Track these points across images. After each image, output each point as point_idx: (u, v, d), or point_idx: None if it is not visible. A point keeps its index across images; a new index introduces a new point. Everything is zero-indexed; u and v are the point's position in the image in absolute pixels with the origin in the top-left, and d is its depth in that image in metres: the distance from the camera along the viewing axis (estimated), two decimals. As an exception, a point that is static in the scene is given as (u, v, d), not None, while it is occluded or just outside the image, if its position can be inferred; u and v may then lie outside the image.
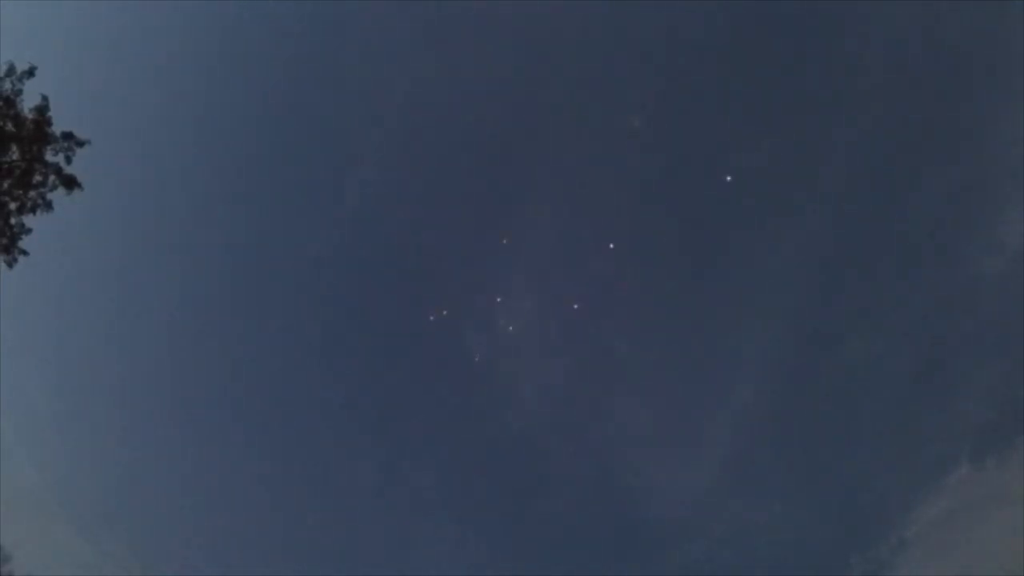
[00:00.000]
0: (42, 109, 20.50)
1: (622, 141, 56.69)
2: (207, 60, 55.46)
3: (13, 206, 20.37)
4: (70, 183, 20.77)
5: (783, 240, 54.83)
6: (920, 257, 53.53)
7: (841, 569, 51.36)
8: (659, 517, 57.40)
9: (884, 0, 48.71)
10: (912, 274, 53.64)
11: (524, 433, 60.49)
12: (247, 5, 53.65)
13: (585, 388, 60.21)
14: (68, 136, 20.77)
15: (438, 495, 59.90)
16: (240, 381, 60.91)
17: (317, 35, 56.41)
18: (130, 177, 53.67)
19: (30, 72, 20.38)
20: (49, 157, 20.63)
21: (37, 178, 20.50)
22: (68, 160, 20.81)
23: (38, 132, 20.31)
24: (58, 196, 20.74)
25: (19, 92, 20.26)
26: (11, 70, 20.24)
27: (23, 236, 20.69)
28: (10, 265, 20.66)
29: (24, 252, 20.80)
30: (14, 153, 20.18)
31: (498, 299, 58.37)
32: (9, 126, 20.04)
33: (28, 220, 20.65)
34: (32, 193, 20.46)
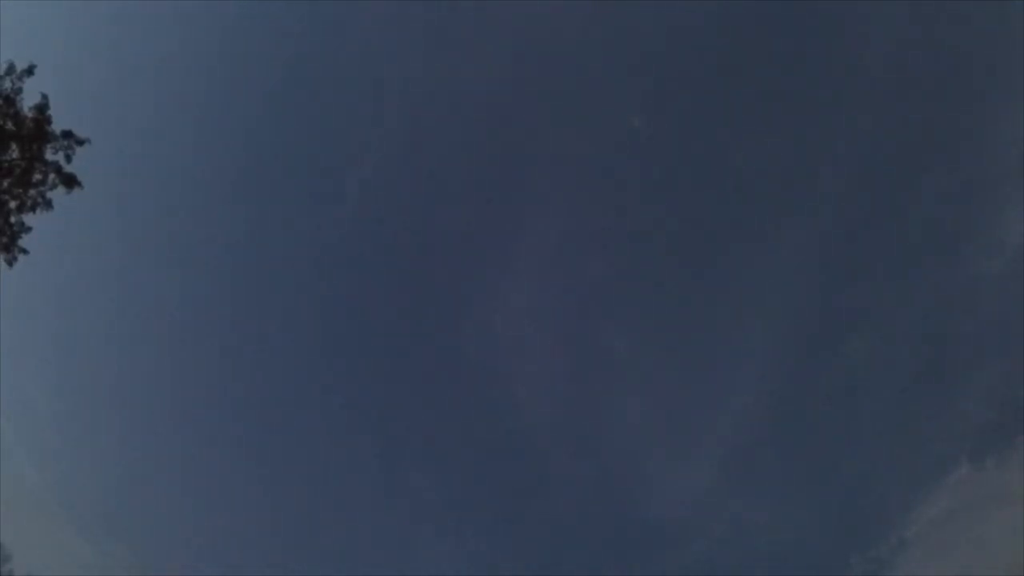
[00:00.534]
0: (42, 108, 20.46)
1: (623, 141, 56.74)
2: (207, 60, 55.49)
3: (13, 204, 20.33)
4: (70, 182, 20.72)
5: (783, 240, 54.89)
6: (920, 257, 53.59)
7: (841, 568, 51.39)
8: (659, 517, 57.44)
9: (884, 0, 48.72)
10: (912, 274, 53.70)
11: (524, 433, 60.55)
12: (247, 5, 53.67)
13: (585, 388, 60.26)
14: (68, 135, 20.72)
15: (438, 495, 59.92)
16: (240, 380, 60.96)
17: (317, 35, 56.45)
18: (130, 176, 53.70)
19: (30, 71, 20.34)
20: (49, 156, 20.59)
21: (37, 177, 20.46)
22: (68, 159, 20.77)
23: (38, 131, 20.28)
24: (58, 195, 20.70)
25: (19, 91, 20.21)
26: (11, 69, 20.21)
27: (23, 235, 20.65)
28: (10, 264, 20.62)
29: (24, 251, 20.76)
30: (14, 151, 20.14)
31: (498, 300, 58.35)
32: (9, 125, 20.00)
33: (28, 219, 20.62)
34: (32, 192, 20.42)
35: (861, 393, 53.93)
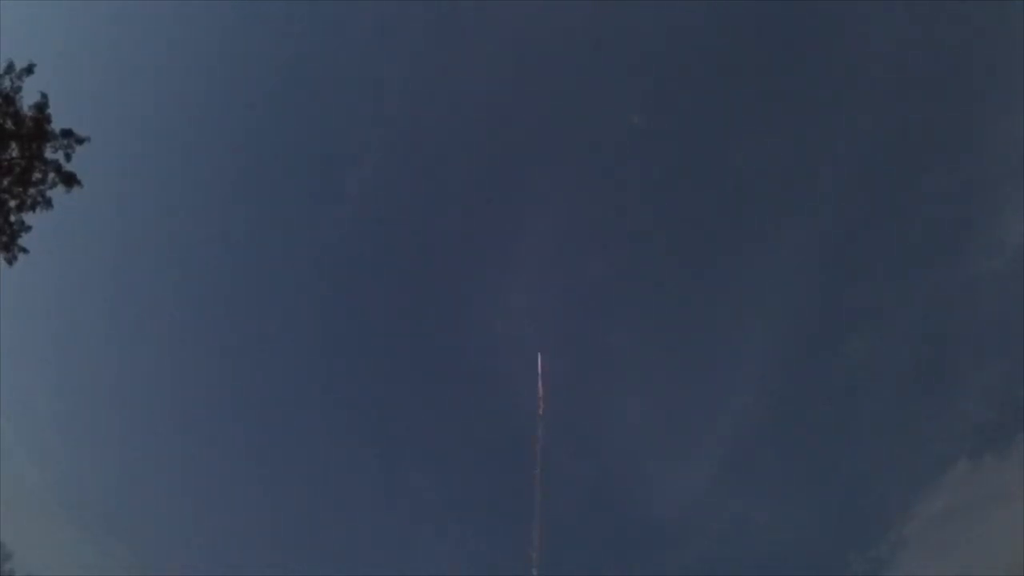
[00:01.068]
0: (41, 107, 20.47)
1: (623, 140, 56.75)
2: (206, 59, 55.52)
3: (13, 203, 20.34)
4: (70, 180, 20.74)
5: (783, 240, 54.96)
6: (920, 257, 53.67)
7: (840, 567, 51.44)
8: (659, 516, 57.51)
9: (884, 0, 48.76)
10: (912, 274, 53.78)
11: (524, 432, 60.48)
12: (247, 5, 53.69)
13: (586, 387, 60.26)
14: (67, 133, 20.74)
15: (438, 495, 59.96)
16: (241, 380, 60.97)
17: (317, 34, 56.46)
18: (130, 175, 53.72)
19: (29, 70, 20.35)
20: (49, 154, 20.60)
21: (37, 175, 20.47)
22: (68, 157, 20.78)
23: (38, 129, 20.29)
24: (57, 193, 20.71)
25: (18, 90, 20.22)
26: (10, 68, 20.22)
27: (23, 233, 20.66)
28: (10, 263, 20.64)
29: (24, 250, 20.78)
30: (14, 150, 20.15)
31: (498, 299, 58.34)
32: (9, 123, 20.02)
33: (28, 217, 20.63)
34: (32, 190, 20.43)
35: (861, 392, 54.04)
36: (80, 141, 20.93)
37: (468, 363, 61.28)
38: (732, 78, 46.66)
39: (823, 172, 53.53)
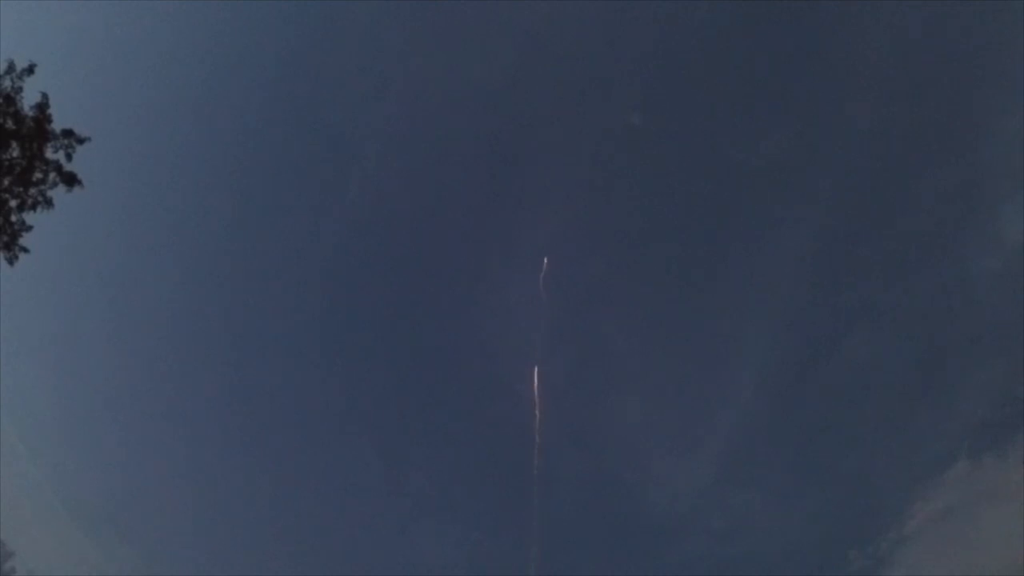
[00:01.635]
0: (42, 106, 20.54)
1: (622, 139, 56.78)
2: (207, 59, 55.54)
3: (14, 203, 20.40)
4: (70, 180, 20.81)
5: (783, 239, 54.97)
6: (919, 256, 53.69)
7: (840, 564, 51.58)
8: (659, 513, 57.63)
9: (884, 0, 48.74)
10: (911, 272, 53.80)
11: (524, 430, 60.60)
12: (247, 5, 53.70)
13: (585, 386, 60.35)
14: (68, 133, 20.79)
15: (438, 492, 60.06)
16: (242, 379, 61.05)
17: (318, 34, 56.47)
18: (131, 175, 53.78)
19: (30, 70, 20.41)
20: (49, 154, 20.66)
21: (37, 175, 20.53)
22: (68, 157, 20.84)
23: (38, 129, 20.35)
24: (58, 193, 20.78)
25: (19, 90, 20.28)
26: (11, 68, 20.27)
27: (24, 233, 20.74)
28: (11, 262, 20.71)
29: (25, 249, 20.85)
30: (14, 150, 20.21)
31: (498, 299, 58.39)
32: (9, 123, 20.08)
33: (29, 217, 20.70)
34: (33, 190, 20.49)
35: (860, 391, 54.13)
36: (81, 141, 20.99)
37: (468, 362, 61.34)
38: (731, 77, 46.69)
39: (822, 171, 53.55)
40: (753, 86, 51.09)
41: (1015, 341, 45.74)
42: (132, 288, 58.24)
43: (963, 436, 50.72)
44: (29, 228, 20.85)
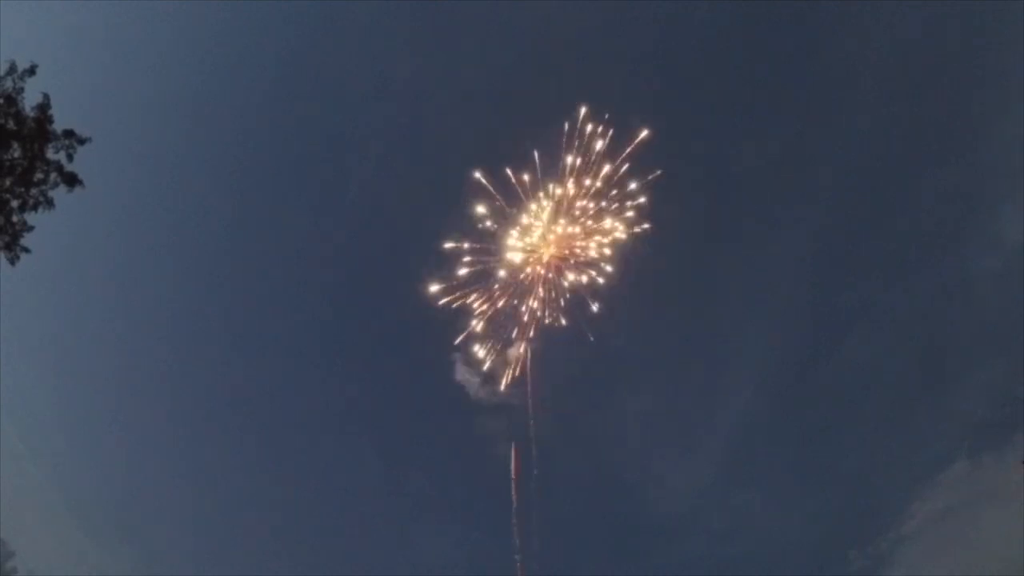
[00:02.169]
0: (43, 107, 20.60)
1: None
2: (207, 59, 55.56)
3: (15, 203, 20.47)
4: (71, 181, 20.88)
5: (782, 239, 55.00)
6: (918, 256, 53.74)
7: (840, 564, 51.72)
8: (659, 512, 57.68)
9: (884, 0, 48.75)
10: (911, 273, 53.86)
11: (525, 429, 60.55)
12: (248, 4, 53.73)
13: (585, 384, 60.32)
14: (69, 134, 20.86)
15: (437, 492, 60.14)
16: (243, 379, 61.09)
17: (319, 34, 56.49)
18: (131, 175, 53.81)
19: (31, 71, 20.47)
20: (50, 155, 20.72)
21: (39, 176, 20.60)
22: (69, 158, 20.90)
23: (39, 130, 20.41)
24: (59, 193, 20.85)
25: (20, 90, 20.34)
26: (12, 68, 20.33)
27: (25, 233, 20.80)
28: (12, 262, 20.78)
29: (26, 249, 20.92)
30: (16, 151, 20.28)
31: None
32: (11, 124, 20.14)
33: (30, 217, 20.77)
34: (34, 191, 20.56)
35: (860, 391, 54.22)
36: (82, 141, 21.06)
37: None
38: (730, 76, 46.75)
39: (821, 171, 53.56)
40: (752, 86, 51.12)
41: (1015, 341, 45.84)
42: (133, 288, 58.32)
43: (962, 436, 50.89)
44: (31, 228, 20.93)
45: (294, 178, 58.74)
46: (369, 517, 60.14)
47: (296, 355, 61.16)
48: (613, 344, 58.60)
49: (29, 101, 20.50)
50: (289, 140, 58.47)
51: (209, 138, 57.45)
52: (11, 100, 20.25)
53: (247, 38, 56.19)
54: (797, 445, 56.11)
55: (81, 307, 57.01)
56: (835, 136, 52.87)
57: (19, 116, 20.30)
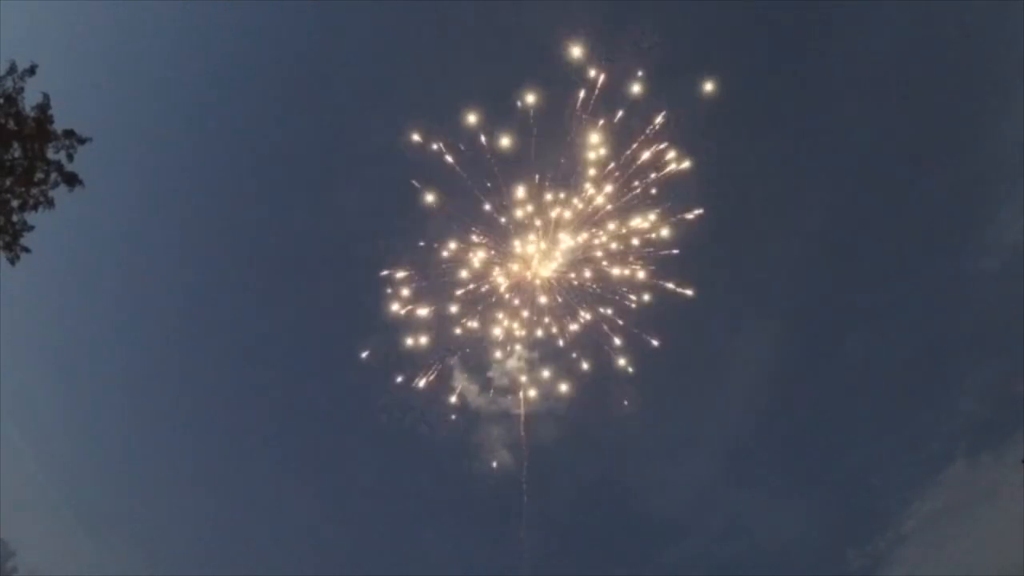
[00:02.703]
0: (43, 107, 20.73)
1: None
2: (208, 59, 55.63)
3: (15, 203, 20.63)
4: (72, 180, 21.03)
5: (781, 238, 54.97)
6: (918, 256, 53.74)
7: (839, 563, 51.76)
8: (656, 512, 57.66)
9: (884, 0, 48.76)
10: (910, 273, 53.84)
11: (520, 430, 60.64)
12: (248, 4, 53.77)
13: (585, 383, 60.29)
14: (70, 134, 21.01)
15: (438, 493, 60.13)
16: (246, 379, 61.08)
17: (320, 34, 56.54)
18: (132, 175, 53.87)
19: (31, 70, 20.60)
20: (51, 155, 20.87)
21: (39, 176, 20.74)
22: (70, 158, 21.05)
23: (40, 130, 20.54)
24: (60, 193, 21.00)
25: (21, 90, 20.47)
26: (12, 68, 20.46)
27: (25, 233, 20.95)
28: (12, 262, 20.95)
29: (27, 249, 21.08)
30: (16, 151, 20.42)
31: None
32: (11, 124, 20.27)
33: (30, 217, 20.93)
34: (34, 190, 20.71)
35: (859, 390, 54.21)
36: (82, 141, 21.20)
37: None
38: (729, 75, 46.73)
39: (821, 170, 53.52)
40: (748, 85, 51.08)
41: (1014, 341, 45.89)
42: (134, 287, 58.32)
43: (962, 435, 50.94)
44: (31, 228, 21.09)
45: (295, 178, 58.78)
46: (371, 517, 60.21)
47: (303, 354, 61.10)
48: (613, 342, 58.63)
49: (29, 101, 20.65)
50: (294, 139, 58.43)
51: (210, 137, 57.54)
52: (11, 100, 20.39)
53: (247, 38, 56.25)
54: (796, 444, 56.18)
55: (82, 306, 57.11)
56: (834, 137, 52.91)
57: (19, 116, 20.43)
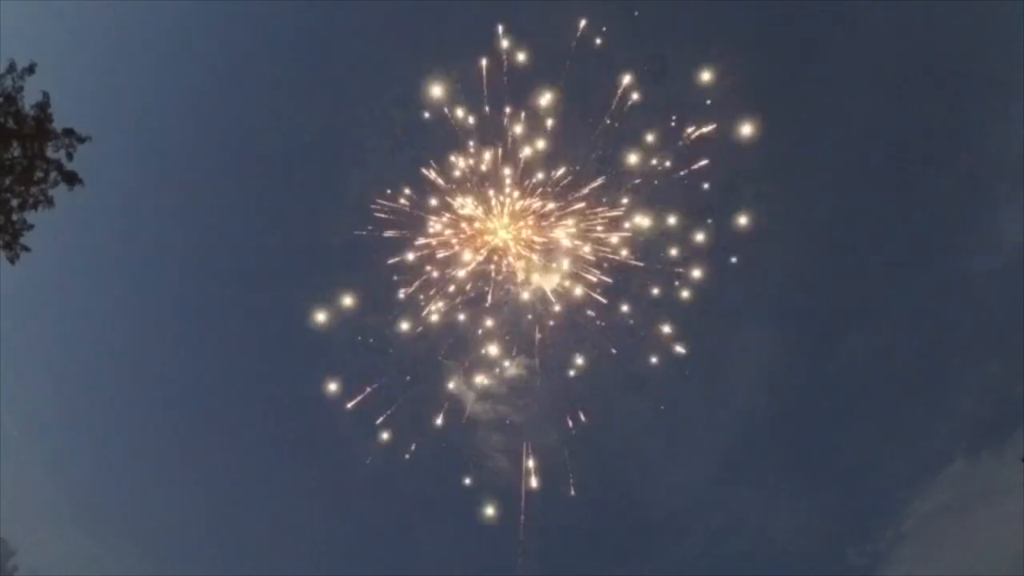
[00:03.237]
0: (43, 106, 20.76)
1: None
2: (208, 58, 55.66)
3: (15, 202, 20.66)
4: (71, 179, 21.06)
5: (780, 237, 54.91)
6: (918, 255, 53.75)
7: (838, 562, 51.78)
8: (655, 511, 57.65)
9: (884, 0, 48.75)
10: (910, 272, 53.85)
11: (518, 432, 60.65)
12: (248, 4, 53.82)
13: (584, 381, 60.30)
14: (69, 133, 21.03)
15: (439, 493, 60.11)
16: (247, 378, 61.11)
17: (321, 34, 56.55)
18: (131, 174, 53.87)
19: (31, 69, 20.63)
20: (50, 154, 20.89)
21: (39, 174, 20.77)
22: (69, 157, 21.07)
23: (39, 129, 20.57)
24: (59, 192, 21.02)
25: (20, 89, 20.50)
26: (12, 67, 20.49)
27: (25, 232, 20.98)
28: (12, 261, 20.98)
29: (26, 248, 21.11)
30: (16, 150, 20.44)
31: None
32: (10, 123, 20.29)
33: (30, 216, 20.96)
34: (34, 189, 20.74)
35: (859, 389, 54.19)
36: (82, 140, 21.22)
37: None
38: (728, 75, 46.75)
39: (820, 170, 53.50)
40: (747, 84, 51.06)
41: (1014, 340, 45.90)
42: (134, 286, 58.33)
43: (961, 434, 50.98)
44: (30, 227, 21.11)
45: (298, 177, 58.71)
46: (371, 517, 60.17)
47: (304, 354, 60.99)
48: (612, 341, 58.63)
49: (29, 100, 20.68)
50: (294, 139, 58.37)
51: (210, 137, 57.55)
52: (11, 99, 20.42)
53: (247, 38, 56.30)
54: (796, 444, 56.18)
55: (82, 305, 57.13)
56: (834, 136, 52.89)
57: (19, 115, 20.45)
